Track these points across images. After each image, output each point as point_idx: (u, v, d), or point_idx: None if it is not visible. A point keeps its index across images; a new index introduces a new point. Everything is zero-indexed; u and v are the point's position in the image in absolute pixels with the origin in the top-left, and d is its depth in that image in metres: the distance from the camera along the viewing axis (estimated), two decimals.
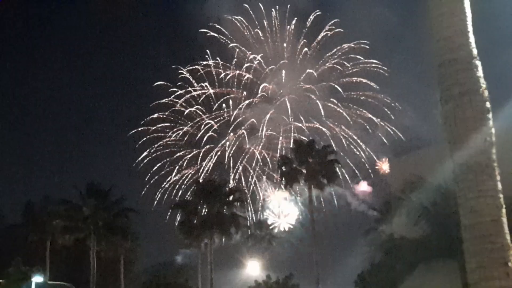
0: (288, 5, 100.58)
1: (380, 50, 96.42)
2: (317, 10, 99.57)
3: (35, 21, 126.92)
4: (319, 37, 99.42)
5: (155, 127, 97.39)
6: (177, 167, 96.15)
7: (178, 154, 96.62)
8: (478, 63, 11.51)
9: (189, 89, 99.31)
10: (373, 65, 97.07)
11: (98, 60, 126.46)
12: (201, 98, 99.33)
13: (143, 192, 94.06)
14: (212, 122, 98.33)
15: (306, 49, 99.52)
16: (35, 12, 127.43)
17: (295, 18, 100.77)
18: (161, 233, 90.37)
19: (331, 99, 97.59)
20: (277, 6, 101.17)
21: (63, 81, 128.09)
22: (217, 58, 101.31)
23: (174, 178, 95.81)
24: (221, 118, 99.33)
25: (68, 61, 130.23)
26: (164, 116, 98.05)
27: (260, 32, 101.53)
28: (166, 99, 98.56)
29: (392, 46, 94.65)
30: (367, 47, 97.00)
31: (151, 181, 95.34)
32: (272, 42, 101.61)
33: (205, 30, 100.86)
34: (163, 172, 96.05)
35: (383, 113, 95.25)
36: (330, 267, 79.58)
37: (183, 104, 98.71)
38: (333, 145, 74.57)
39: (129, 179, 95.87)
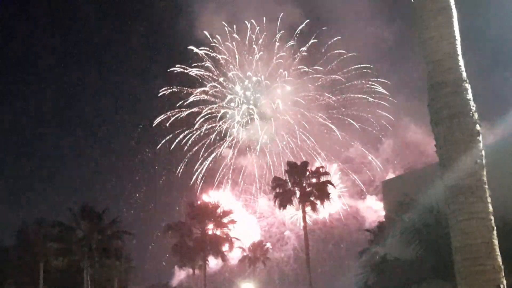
0: (278, 23, 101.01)
1: (380, 66, 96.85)
2: (315, 35, 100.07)
3: (20, 38, 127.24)
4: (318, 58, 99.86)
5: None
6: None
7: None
8: (468, 86, 11.57)
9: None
10: (374, 82, 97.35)
11: (90, 84, 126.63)
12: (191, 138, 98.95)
13: (139, 214, 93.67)
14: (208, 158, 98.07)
15: (305, 67, 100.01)
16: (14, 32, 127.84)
17: (293, 42, 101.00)
18: (156, 255, 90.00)
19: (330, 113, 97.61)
20: (263, 25, 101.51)
21: (56, 101, 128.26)
22: (211, 79, 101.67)
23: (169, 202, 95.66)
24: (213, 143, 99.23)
25: (60, 81, 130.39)
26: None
27: (255, 50, 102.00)
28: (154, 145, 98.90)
29: (393, 62, 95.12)
30: (369, 70, 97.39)
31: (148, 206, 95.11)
32: (265, 62, 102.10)
33: (198, 51, 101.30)
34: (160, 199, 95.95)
35: (388, 129, 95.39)
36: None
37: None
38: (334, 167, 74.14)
39: (124, 202, 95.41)
